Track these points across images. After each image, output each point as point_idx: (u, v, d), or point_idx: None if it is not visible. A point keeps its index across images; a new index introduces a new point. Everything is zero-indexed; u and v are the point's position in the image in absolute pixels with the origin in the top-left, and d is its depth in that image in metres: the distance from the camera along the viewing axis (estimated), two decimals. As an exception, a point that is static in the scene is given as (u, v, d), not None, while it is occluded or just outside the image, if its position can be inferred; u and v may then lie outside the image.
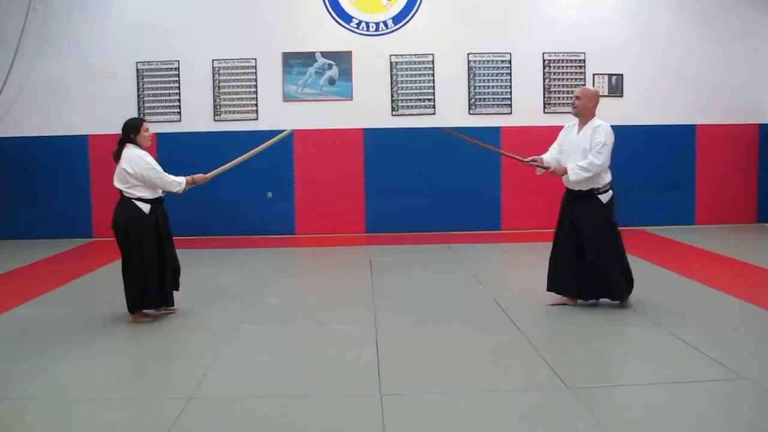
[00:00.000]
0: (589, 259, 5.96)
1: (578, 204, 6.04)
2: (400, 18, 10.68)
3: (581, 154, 5.90)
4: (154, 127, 10.44)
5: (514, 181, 10.70)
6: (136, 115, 10.55)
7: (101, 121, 10.52)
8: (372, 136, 10.72)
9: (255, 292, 6.98)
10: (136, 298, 5.82)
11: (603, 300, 6.24)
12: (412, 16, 10.68)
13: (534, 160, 6.24)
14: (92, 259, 9.10)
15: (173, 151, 10.30)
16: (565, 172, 5.96)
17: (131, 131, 5.86)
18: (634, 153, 10.77)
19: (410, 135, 10.64)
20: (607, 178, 6.00)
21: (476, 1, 10.74)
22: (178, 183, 5.91)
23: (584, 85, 10.69)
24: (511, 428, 3.79)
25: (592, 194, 5.97)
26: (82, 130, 10.59)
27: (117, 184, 5.80)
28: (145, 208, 5.78)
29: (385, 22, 10.69)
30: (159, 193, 5.91)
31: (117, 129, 10.17)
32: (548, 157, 6.26)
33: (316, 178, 10.72)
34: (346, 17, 10.65)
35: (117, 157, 5.82)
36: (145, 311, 5.91)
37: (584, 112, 6.00)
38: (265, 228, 10.69)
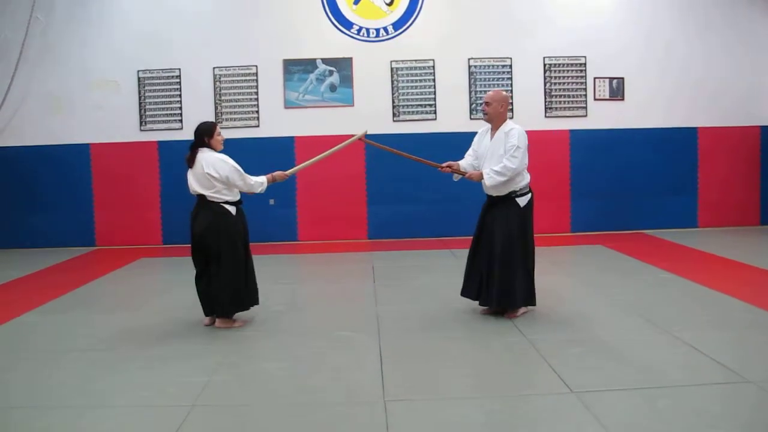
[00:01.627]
0: (496, 266, 5.85)
1: (495, 209, 5.96)
2: (400, 24, 10.70)
3: (496, 159, 5.83)
4: (154, 136, 10.61)
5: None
6: (137, 124, 10.61)
7: (103, 129, 10.59)
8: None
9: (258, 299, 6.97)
10: (231, 303, 5.82)
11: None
12: (413, 22, 10.69)
13: (449, 166, 6.13)
14: (95, 267, 9.11)
15: (175, 160, 10.32)
16: (481, 177, 5.86)
17: (205, 135, 5.79)
18: (636, 156, 10.78)
19: (411, 141, 10.61)
20: (525, 180, 5.93)
21: (476, 6, 10.75)
22: (260, 183, 5.89)
23: (585, 89, 10.71)
24: (515, 433, 3.79)
25: (509, 198, 5.90)
26: (84, 139, 10.62)
27: (199, 189, 5.73)
28: (232, 210, 5.79)
29: (385, 28, 10.70)
30: (239, 195, 5.89)
31: (119, 138, 10.53)
32: (465, 163, 6.17)
33: (318, 185, 10.71)
34: (346, 24, 10.67)
35: (191, 162, 5.76)
36: (234, 317, 5.94)
37: (496, 117, 5.95)
38: (267, 235, 10.68)
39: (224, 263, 5.74)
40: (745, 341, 5.20)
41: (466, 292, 6.20)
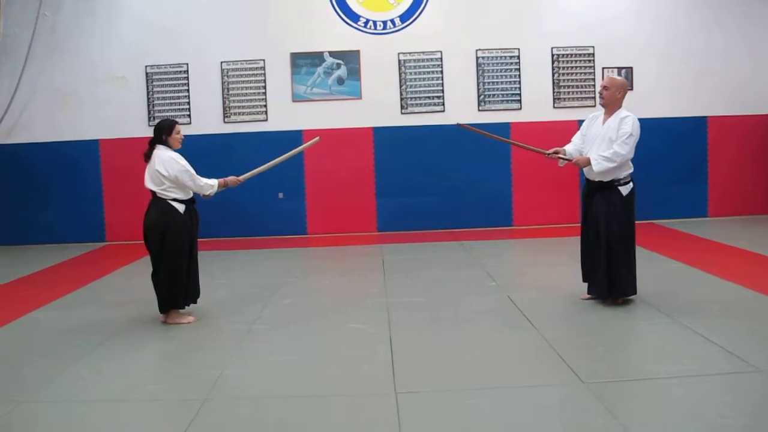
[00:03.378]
0: (604, 254, 5.85)
1: (597, 195, 5.93)
2: (407, 16, 10.67)
3: (606, 144, 5.80)
4: (164, 130, 10.60)
5: (525, 177, 10.68)
6: (146, 119, 10.63)
7: (112, 125, 10.62)
8: (382, 135, 10.72)
9: (268, 292, 6.99)
10: (167, 298, 5.85)
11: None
12: (420, 14, 10.67)
13: (556, 152, 6.13)
14: (106, 262, 9.15)
15: (184, 154, 10.32)
16: (588, 162, 5.84)
17: (163, 132, 5.85)
18: (645, 146, 10.54)
19: (420, 133, 10.65)
20: (630, 169, 5.91)
21: (483, -3, 10.74)
22: (210, 186, 5.91)
23: (593, 79, 10.66)
24: (527, 425, 3.78)
25: (612, 185, 5.87)
26: (93, 135, 10.66)
27: (150, 185, 5.81)
28: (180, 208, 5.80)
29: (392, 21, 10.68)
30: (191, 194, 5.91)
31: (128, 133, 10.57)
32: (570, 148, 6.16)
33: (327, 178, 10.73)
34: (353, 16, 10.65)
35: (147, 157, 5.82)
36: (182, 312, 5.96)
37: (611, 103, 5.90)
38: (276, 229, 10.72)
39: (166, 260, 5.78)
40: (756, 331, 5.17)
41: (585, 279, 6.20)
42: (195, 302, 6.08)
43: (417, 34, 10.68)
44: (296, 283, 7.55)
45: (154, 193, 5.83)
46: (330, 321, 5.92)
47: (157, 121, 10.55)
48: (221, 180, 6.03)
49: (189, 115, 10.62)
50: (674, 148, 10.81)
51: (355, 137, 10.69)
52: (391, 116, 10.68)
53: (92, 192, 10.72)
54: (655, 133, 10.69)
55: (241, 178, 6.19)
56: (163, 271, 5.80)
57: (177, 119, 10.41)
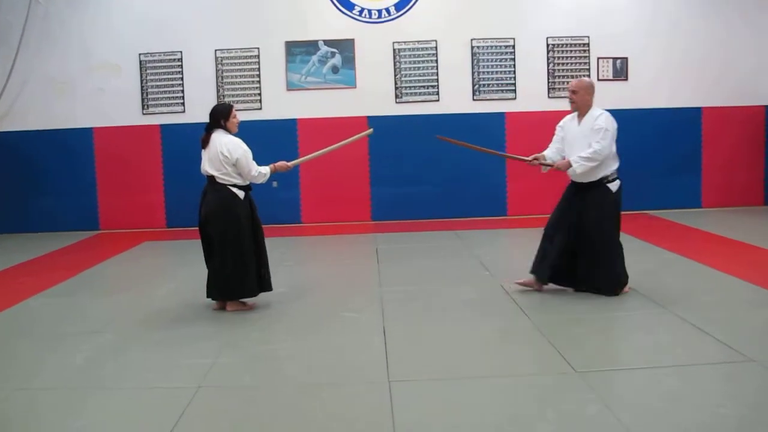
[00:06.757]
0: (598, 252, 5.88)
1: (588, 195, 5.94)
2: (402, 5, 10.63)
3: (585, 145, 5.83)
4: (157, 119, 10.59)
5: (520, 167, 10.63)
6: (140, 107, 10.59)
7: (106, 113, 10.57)
8: (376, 124, 10.67)
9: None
10: (236, 289, 5.79)
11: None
12: (415, 3, 10.62)
13: (537, 158, 6.14)
14: (100, 250, 9.13)
15: (178, 143, 10.32)
16: (569, 165, 5.87)
17: (221, 117, 5.76)
18: (640, 137, 10.73)
19: (414, 122, 10.62)
20: (615, 165, 5.93)
21: (479, -14, 10.70)
22: (263, 175, 5.79)
23: (588, 69, 10.65)
24: (519, 413, 3.80)
25: (601, 183, 5.89)
26: (86, 123, 10.60)
27: (209, 170, 5.68)
28: (240, 195, 5.73)
29: (387, 9, 10.64)
30: (249, 181, 5.83)
31: (121, 121, 10.53)
32: (550, 152, 6.17)
33: (321, 167, 10.66)
34: (348, 5, 10.61)
35: (205, 143, 5.72)
36: (243, 300, 5.91)
37: (583, 105, 5.95)
38: (271, 217, 10.58)
39: (227, 246, 5.70)
40: (748, 321, 5.21)
41: (540, 272, 6.16)
42: (269, 290, 6.01)
43: (412, 23, 10.65)
44: (290, 272, 7.54)
45: (212, 179, 5.71)
46: (324, 310, 5.93)
47: (153, 109, 10.71)
48: (272, 166, 5.91)
49: (183, 104, 10.58)
50: (669, 139, 10.82)
51: (349, 126, 10.60)
52: (386, 105, 10.65)
53: (86, 180, 10.68)
54: (650, 124, 10.74)
55: (290, 164, 6.09)
56: (229, 261, 5.69)
57: (169, 107, 10.56)
